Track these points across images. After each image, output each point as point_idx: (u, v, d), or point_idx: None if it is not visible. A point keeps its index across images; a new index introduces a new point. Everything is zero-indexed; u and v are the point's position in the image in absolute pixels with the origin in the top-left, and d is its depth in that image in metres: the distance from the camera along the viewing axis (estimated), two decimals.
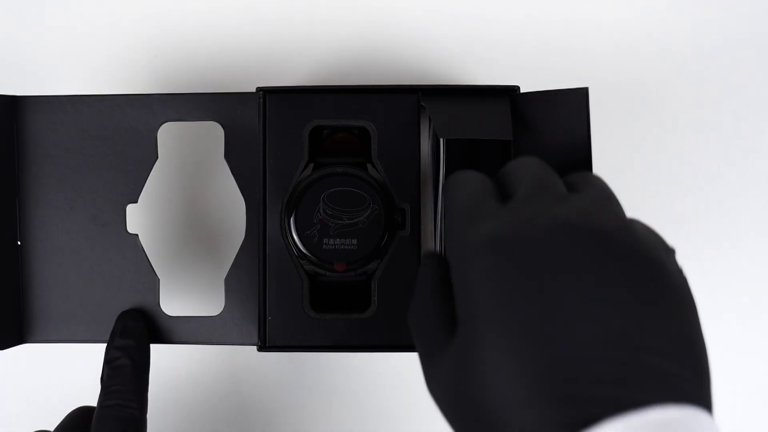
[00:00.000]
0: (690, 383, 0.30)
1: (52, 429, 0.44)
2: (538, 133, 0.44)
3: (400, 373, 0.54)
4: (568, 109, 0.43)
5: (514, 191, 0.34)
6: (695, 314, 0.32)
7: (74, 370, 0.54)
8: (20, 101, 0.47)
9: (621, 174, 0.54)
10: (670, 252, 0.34)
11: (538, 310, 0.30)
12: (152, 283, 0.47)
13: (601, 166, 0.53)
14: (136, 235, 0.47)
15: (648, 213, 0.54)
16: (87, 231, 0.47)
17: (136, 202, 0.47)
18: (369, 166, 0.46)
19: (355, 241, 0.45)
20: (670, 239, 0.54)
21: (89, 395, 0.47)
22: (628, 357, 0.29)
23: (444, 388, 0.33)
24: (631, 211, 0.54)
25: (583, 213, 0.32)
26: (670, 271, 0.32)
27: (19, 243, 0.47)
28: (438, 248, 0.46)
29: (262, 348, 0.46)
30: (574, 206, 0.33)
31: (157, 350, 0.47)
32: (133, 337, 0.45)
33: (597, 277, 0.31)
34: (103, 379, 0.44)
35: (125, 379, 0.43)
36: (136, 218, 0.51)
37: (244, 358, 0.54)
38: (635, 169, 0.54)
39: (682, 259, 0.54)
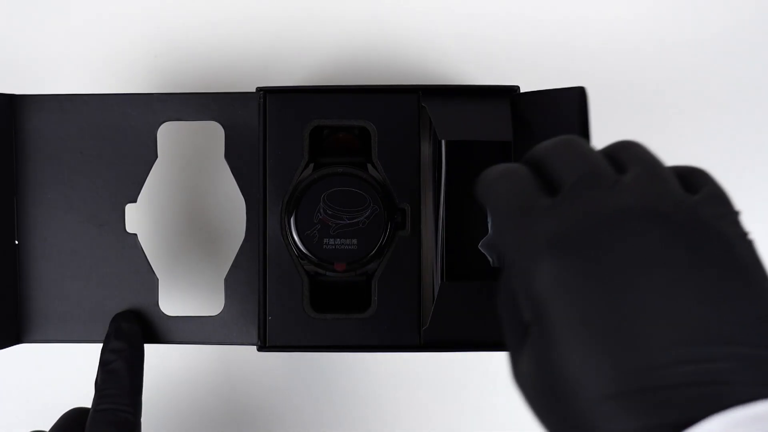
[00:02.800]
0: None
1: (47, 430, 0.44)
2: (534, 134, 0.44)
3: (400, 373, 0.54)
4: (565, 109, 0.43)
5: (561, 182, 0.32)
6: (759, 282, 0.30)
7: (71, 370, 0.54)
8: (19, 100, 0.47)
9: None
10: (733, 215, 0.32)
11: (612, 308, 0.29)
12: (151, 283, 0.47)
13: None
14: (135, 234, 0.47)
15: None
16: (85, 230, 0.47)
17: (135, 201, 0.47)
18: (369, 166, 0.46)
19: (355, 241, 0.45)
20: None
21: (86, 395, 0.47)
22: (717, 351, 0.28)
23: (528, 387, 0.32)
24: None
25: (639, 197, 0.31)
26: (736, 244, 0.30)
27: (16, 242, 0.47)
28: (439, 248, 0.46)
29: (262, 348, 0.46)
30: (628, 191, 0.31)
31: (156, 350, 0.47)
32: (127, 339, 0.45)
33: (667, 265, 0.29)
34: (98, 383, 0.44)
35: (119, 383, 0.43)
36: (135, 218, 0.51)
37: (244, 358, 0.54)
38: None
39: None
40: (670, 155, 0.54)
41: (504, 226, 0.32)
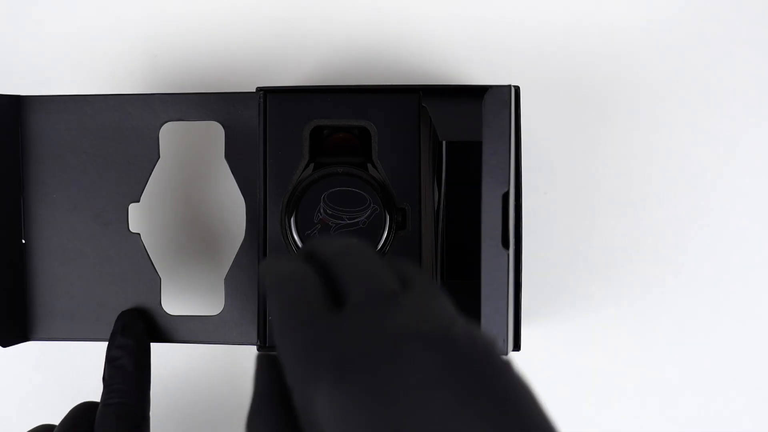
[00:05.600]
0: None
1: (57, 424, 0.44)
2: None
3: None
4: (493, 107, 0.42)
5: (347, 295, 0.31)
6: (533, 404, 0.29)
7: (77, 367, 0.54)
8: (24, 101, 0.47)
9: (620, 174, 0.54)
10: (493, 345, 0.30)
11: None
12: (154, 282, 0.47)
13: (600, 166, 0.54)
14: (138, 234, 0.47)
15: (646, 211, 0.54)
16: (90, 230, 0.47)
17: (138, 201, 0.47)
18: (369, 166, 0.46)
19: None
20: (669, 240, 0.54)
21: (93, 392, 0.47)
22: None
23: None
24: (629, 210, 0.54)
25: (417, 319, 0.29)
26: (505, 370, 0.29)
27: (23, 241, 0.47)
28: (439, 248, 0.46)
29: (261, 348, 0.46)
30: (408, 313, 0.29)
31: (157, 349, 0.47)
32: (134, 336, 0.45)
33: (442, 390, 0.27)
34: (105, 378, 0.44)
35: (127, 378, 0.44)
36: (138, 217, 0.51)
37: (244, 358, 0.54)
38: (634, 168, 0.54)
39: (680, 261, 0.54)
40: (670, 155, 0.54)
41: (287, 341, 0.30)
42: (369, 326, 0.29)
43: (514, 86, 0.45)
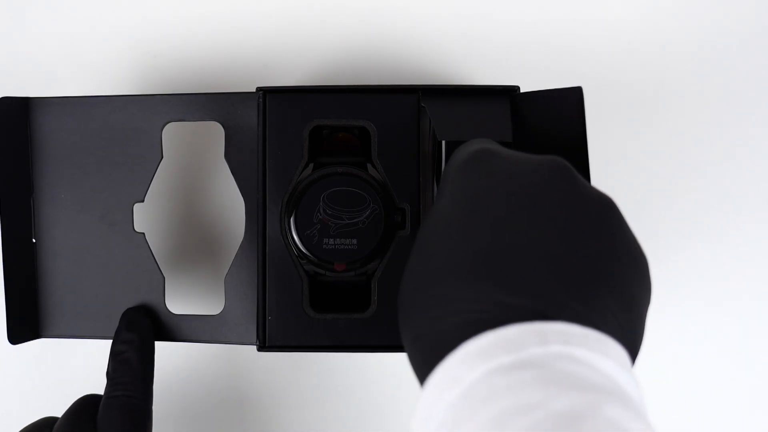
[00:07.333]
0: (614, 314, 0.32)
1: (59, 416, 0.45)
2: (534, 133, 0.44)
3: (400, 373, 0.54)
4: (564, 109, 0.43)
5: None
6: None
7: (79, 365, 0.54)
8: (31, 103, 0.47)
9: (620, 173, 0.54)
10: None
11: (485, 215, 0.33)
12: (158, 281, 0.47)
13: (600, 166, 0.53)
14: (143, 233, 0.47)
15: (646, 212, 0.54)
16: (96, 230, 0.47)
17: (142, 201, 0.47)
18: (369, 165, 0.46)
19: (355, 241, 0.45)
20: (669, 238, 0.54)
21: (94, 389, 0.47)
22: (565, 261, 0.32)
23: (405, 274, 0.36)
24: (630, 210, 0.54)
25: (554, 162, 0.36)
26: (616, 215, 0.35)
27: (34, 241, 0.47)
28: None
29: (261, 348, 0.46)
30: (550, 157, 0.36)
31: (157, 348, 0.47)
32: (138, 331, 0.45)
33: (543, 202, 0.33)
34: (109, 372, 0.45)
35: (130, 372, 0.44)
36: (143, 217, 0.51)
37: (244, 357, 0.54)
38: (634, 168, 0.54)
39: (681, 257, 0.54)
40: (669, 155, 0.54)
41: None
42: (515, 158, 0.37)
43: (515, 86, 0.45)
